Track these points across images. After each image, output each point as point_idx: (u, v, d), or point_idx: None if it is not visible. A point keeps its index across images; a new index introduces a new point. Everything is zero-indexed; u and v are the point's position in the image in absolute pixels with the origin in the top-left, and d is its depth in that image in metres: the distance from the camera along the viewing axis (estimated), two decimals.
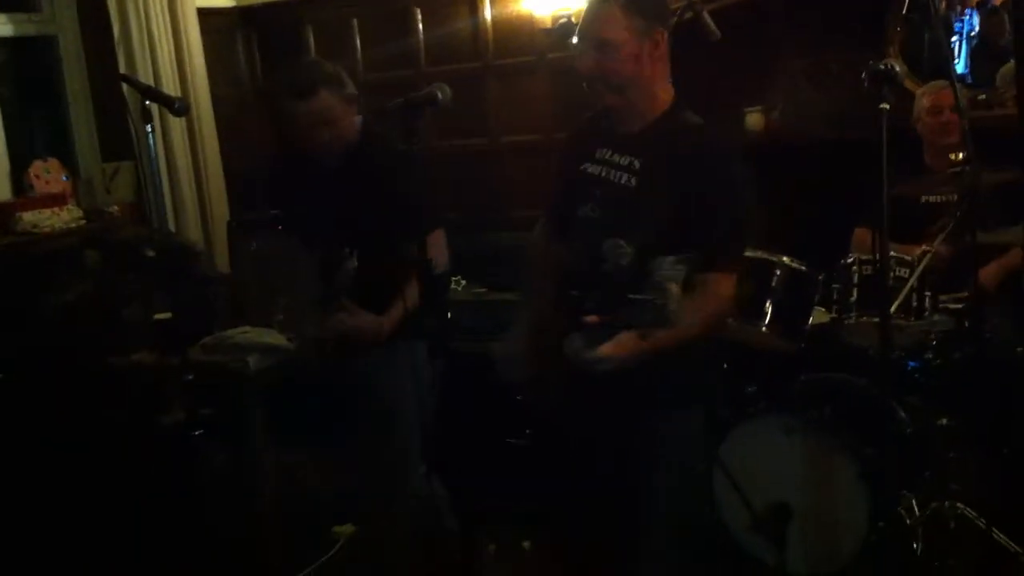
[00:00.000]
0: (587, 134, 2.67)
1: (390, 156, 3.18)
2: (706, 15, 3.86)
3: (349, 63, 5.55)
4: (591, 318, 2.25)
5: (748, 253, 3.92)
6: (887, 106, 2.00)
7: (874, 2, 4.35)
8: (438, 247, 3.16)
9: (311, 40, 5.70)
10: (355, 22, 5.58)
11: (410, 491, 3.27)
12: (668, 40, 2.49)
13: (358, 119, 3.28)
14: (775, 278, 3.77)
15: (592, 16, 2.46)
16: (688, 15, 3.92)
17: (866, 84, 2.06)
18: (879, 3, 4.34)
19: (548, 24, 4.95)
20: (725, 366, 4.02)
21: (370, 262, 3.11)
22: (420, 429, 3.21)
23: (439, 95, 2.44)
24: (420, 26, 5.40)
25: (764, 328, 3.67)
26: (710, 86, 4.72)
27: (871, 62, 2.07)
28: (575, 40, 2.54)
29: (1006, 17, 4.71)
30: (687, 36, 4.03)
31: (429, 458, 3.15)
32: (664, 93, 2.55)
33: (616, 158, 2.54)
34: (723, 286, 2.43)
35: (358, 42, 5.59)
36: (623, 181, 2.50)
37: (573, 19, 4.85)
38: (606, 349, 2.26)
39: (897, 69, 2.04)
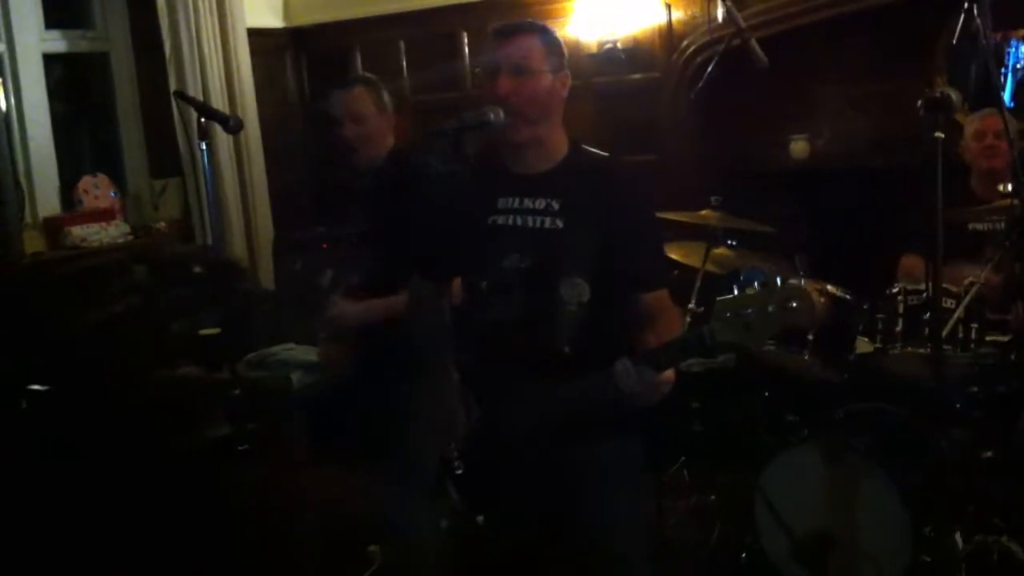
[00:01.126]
0: (479, 186, 2.55)
1: (415, 179, 3.09)
2: (754, 42, 3.87)
3: (396, 85, 5.61)
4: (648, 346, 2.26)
5: (792, 281, 3.95)
6: (942, 134, 1.99)
7: (920, 30, 4.33)
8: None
9: (359, 61, 5.74)
10: (402, 44, 5.62)
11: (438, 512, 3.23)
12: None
13: (390, 138, 3.36)
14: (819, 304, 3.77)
15: (513, 45, 2.44)
16: (736, 42, 3.94)
17: (921, 112, 2.05)
18: (925, 32, 4.31)
19: (594, 49, 4.97)
20: (767, 394, 4.01)
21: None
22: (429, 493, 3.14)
23: (492, 117, 2.40)
24: (466, 50, 5.43)
25: (806, 356, 3.67)
26: (756, 114, 4.77)
27: (926, 90, 2.07)
28: (485, 70, 2.47)
29: None
30: (735, 64, 4.07)
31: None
32: (563, 135, 2.53)
33: (528, 204, 2.48)
34: (671, 301, 2.53)
35: (405, 64, 5.63)
36: (547, 225, 2.45)
37: (619, 45, 4.89)
38: (669, 375, 2.26)
39: (953, 97, 2.03)
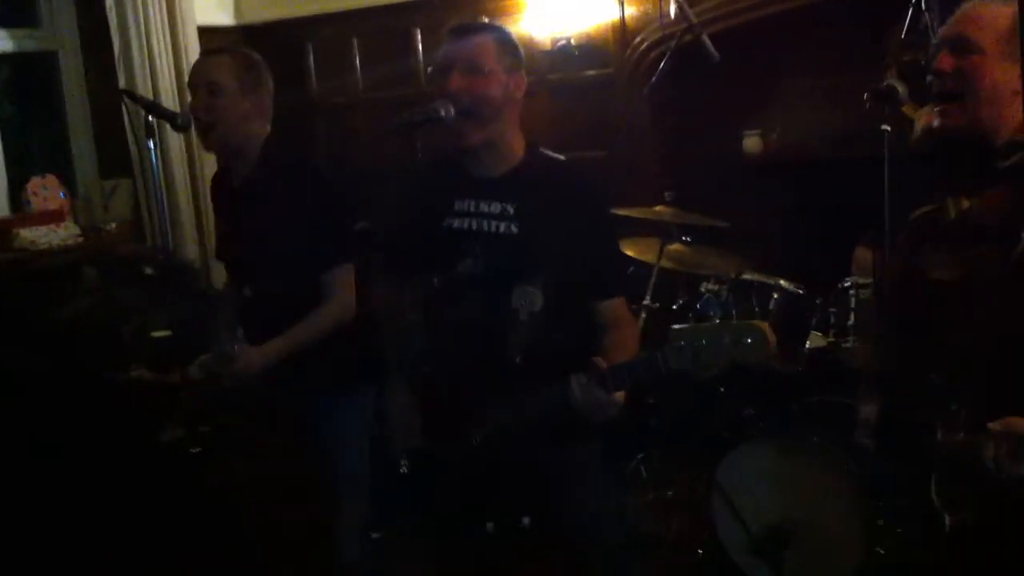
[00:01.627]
0: (435, 187, 2.55)
1: (298, 175, 3.01)
2: (705, 38, 3.89)
3: (349, 81, 5.59)
4: (599, 361, 2.24)
5: (747, 276, 3.97)
6: (888, 127, 2.00)
7: (872, 24, 4.36)
8: (340, 286, 2.99)
9: (311, 59, 5.70)
10: (355, 41, 5.58)
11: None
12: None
13: (259, 125, 3.05)
14: (772, 301, 3.79)
15: (467, 43, 2.43)
16: (688, 38, 3.96)
17: (867, 105, 2.06)
18: (877, 26, 4.34)
19: (547, 46, 4.96)
20: (722, 389, 4.03)
21: (267, 292, 2.97)
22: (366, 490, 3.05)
23: (442, 112, 2.37)
24: (420, 46, 5.40)
25: None
26: (709, 109, 4.78)
27: (872, 82, 2.08)
28: (437, 67, 2.46)
29: None
30: (688, 59, 4.08)
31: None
32: (520, 137, 2.51)
33: (484, 207, 2.46)
34: (627, 309, 2.55)
35: (358, 61, 5.60)
36: (502, 230, 2.43)
37: (572, 41, 4.88)
38: (620, 395, 2.26)
39: (899, 90, 2.04)
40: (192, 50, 5.09)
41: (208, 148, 3.10)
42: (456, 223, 2.49)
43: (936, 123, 2.03)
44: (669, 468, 4.20)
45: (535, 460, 2.44)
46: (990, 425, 1.97)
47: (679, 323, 4.06)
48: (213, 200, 3.35)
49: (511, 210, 2.43)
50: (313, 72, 5.72)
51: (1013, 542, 2.05)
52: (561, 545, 2.54)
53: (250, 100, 3.00)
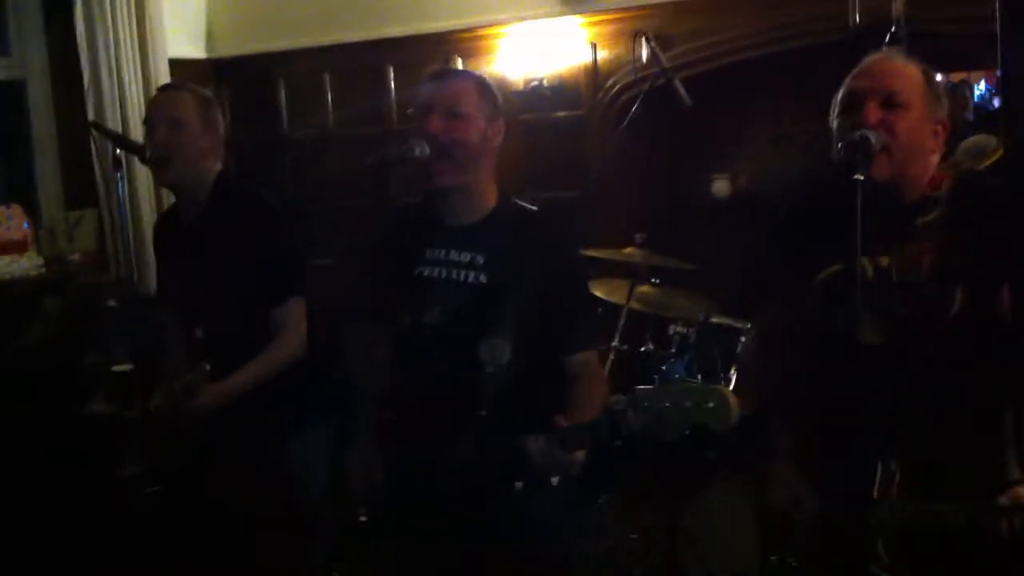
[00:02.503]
0: (408, 234, 2.53)
1: (251, 209, 3.00)
2: (678, 82, 3.92)
3: (320, 117, 5.58)
4: (560, 420, 2.21)
5: (714, 319, 3.98)
6: (861, 176, 2.01)
7: (841, 72, 4.42)
8: (292, 321, 2.96)
9: (283, 94, 5.69)
10: (327, 76, 5.58)
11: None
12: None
13: (213, 164, 3.04)
14: (740, 344, 3.80)
15: (448, 86, 2.43)
16: (660, 82, 3.99)
17: (843, 154, 2.07)
18: (846, 73, 4.40)
19: (520, 86, 4.98)
20: (687, 432, 4.01)
21: (220, 328, 2.91)
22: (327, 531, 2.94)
23: (417, 151, 2.35)
24: (392, 83, 5.41)
25: None
26: (679, 152, 4.82)
27: (848, 132, 2.09)
28: (417, 108, 2.44)
29: (967, 92, 4.80)
30: (659, 102, 4.11)
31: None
32: (494, 186, 2.50)
33: (454, 256, 2.44)
34: (599, 366, 2.55)
35: (330, 97, 5.59)
36: (470, 280, 2.41)
37: (545, 82, 4.91)
38: (580, 454, 2.22)
39: (872, 140, 2.05)
40: (162, 82, 5.06)
41: (163, 183, 3.11)
42: (427, 271, 2.46)
43: (863, 177, 2.03)
44: (632, 511, 4.16)
45: (495, 511, 2.41)
46: (1000, 500, 1.98)
47: (648, 364, 4.09)
48: (157, 244, 3.30)
49: (480, 260, 2.41)
50: (284, 107, 5.70)
51: None
52: None
53: (208, 138, 3.01)
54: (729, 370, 3.81)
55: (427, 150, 2.36)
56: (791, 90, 4.65)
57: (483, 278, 2.40)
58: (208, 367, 2.82)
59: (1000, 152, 4.45)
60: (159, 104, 3.06)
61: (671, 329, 3.97)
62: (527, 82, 4.96)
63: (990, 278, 2.13)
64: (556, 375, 2.44)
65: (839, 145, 2.12)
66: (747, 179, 4.88)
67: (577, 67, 4.91)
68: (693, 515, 3.52)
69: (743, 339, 3.74)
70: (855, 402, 2.10)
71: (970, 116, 5.27)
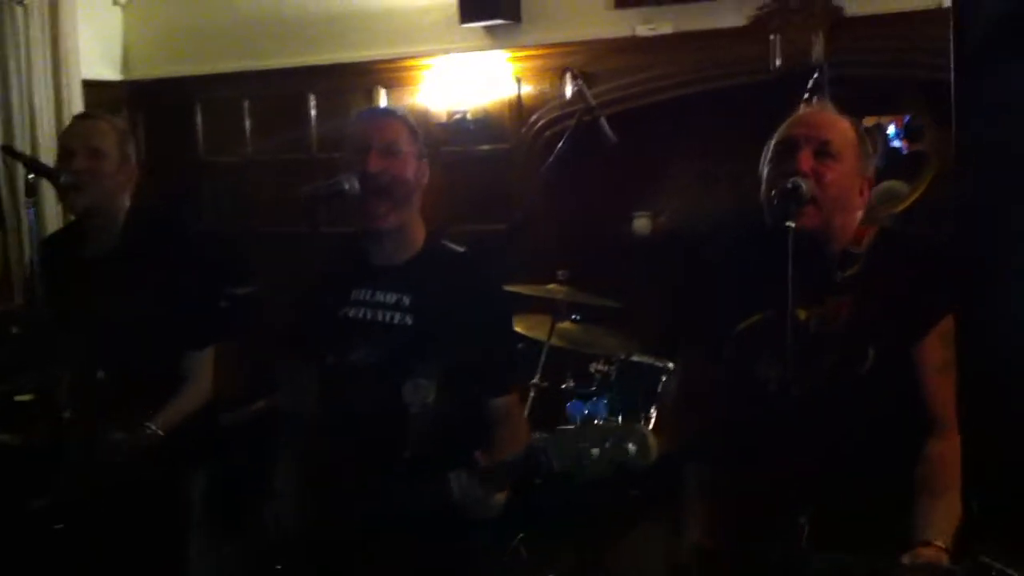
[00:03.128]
0: (334, 273, 2.52)
1: (165, 249, 2.94)
2: (603, 120, 3.93)
3: (238, 143, 5.50)
4: (480, 457, 2.19)
5: (635, 358, 3.99)
6: (792, 224, 2.01)
7: (766, 112, 4.49)
8: (201, 370, 2.93)
9: (199, 119, 5.60)
10: (246, 103, 5.52)
11: None
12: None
13: (126, 198, 2.96)
14: (660, 383, 3.81)
15: (382, 125, 2.43)
16: (586, 118, 3.99)
17: (776, 201, 2.08)
18: (771, 113, 4.48)
19: (443, 119, 4.98)
20: (608, 474, 4.00)
21: (124, 369, 2.83)
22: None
23: (347, 186, 2.33)
24: (313, 112, 5.36)
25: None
26: (602, 189, 4.84)
27: (779, 179, 2.10)
28: (352, 146, 2.41)
29: (880, 137, 4.90)
30: (582, 140, 4.12)
31: None
32: (422, 226, 2.48)
33: (380, 297, 2.42)
34: (521, 408, 2.59)
35: (248, 124, 5.52)
36: (396, 321, 2.39)
37: (469, 115, 4.91)
38: (501, 494, 2.22)
39: (803, 187, 2.06)
40: (76, 105, 4.96)
41: (76, 210, 2.98)
42: (352, 312, 2.43)
43: (793, 224, 2.04)
44: (551, 548, 4.13)
45: (414, 552, 2.36)
46: (904, 560, 1.98)
47: (569, 401, 4.07)
48: (52, 270, 3.05)
49: (407, 301, 2.39)
50: (201, 132, 5.61)
51: None
52: None
53: (124, 170, 2.94)
54: (649, 408, 3.81)
55: (356, 185, 2.32)
56: (714, 130, 4.70)
57: (409, 320, 2.38)
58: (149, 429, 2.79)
59: (912, 197, 4.58)
60: (77, 133, 2.97)
61: (592, 367, 3.96)
62: (450, 115, 4.96)
63: (904, 337, 2.14)
64: (479, 417, 2.42)
65: (771, 193, 2.12)
66: (668, 218, 4.91)
67: (501, 101, 4.93)
68: (615, 555, 3.50)
69: (664, 378, 3.74)
70: (768, 452, 2.09)
71: (881, 161, 5.39)
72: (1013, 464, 2.68)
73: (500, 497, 2.23)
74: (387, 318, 2.39)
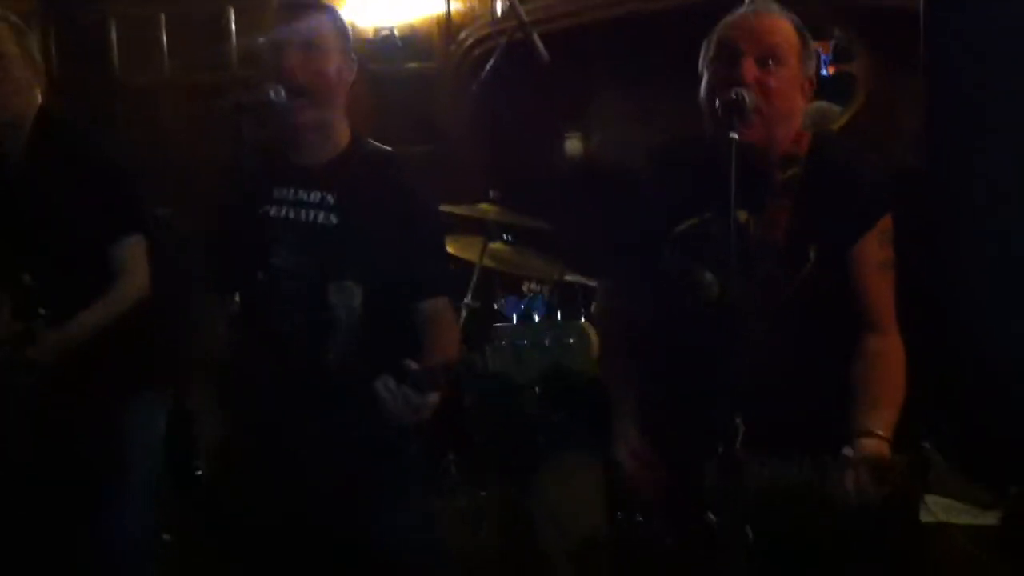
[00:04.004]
0: (254, 174, 2.41)
1: (78, 142, 2.85)
2: (536, 37, 3.86)
3: (156, 62, 5.31)
4: (409, 363, 2.10)
5: (568, 277, 3.96)
6: (736, 135, 1.96)
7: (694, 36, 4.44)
8: (132, 261, 2.83)
9: (114, 35, 5.38)
10: (162, 18, 5.31)
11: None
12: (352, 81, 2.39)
13: (38, 98, 2.86)
14: (594, 303, 3.78)
15: (302, 19, 2.31)
16: (518, 36, 3.92)
17: (719, 112, 2.02)
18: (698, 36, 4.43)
19: (369, 35, 4.87)
20: (536, 390, 4.00)
21: (52, 272, 2.77)
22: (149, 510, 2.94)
23: (272, 96, 2.23)
24: (233, 27, 5.18)
25: None
26: (535, 109, 4.77)
27: (723, 89, 2.04)
28: (269, 45, 2.32)
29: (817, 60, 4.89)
30: (514, 58, 4.04)
31: None
32: (346, 125, 2.41)
33: (303, 195, 2.34)
34: (452, 314, 2.49)
35: (165, 40, 5.32)
36: (319, 220, 2.33)
37: (396, 32, 4.80)
38: (433, 398, 2.11)
39: (747, 99, 2.01)
40: None
41: None
42: (272, 211, 2.35)
43: (736, 136, 2.00)
44: (481, 472, 4.12)
45: (341, 473, 2.31)
46: (845, 452, 1.97)
47: (501, 322, 4.03)
48: None
49: (331, 200, 2.32)
50: (116, 50, 5.39)
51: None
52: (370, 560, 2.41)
53: (28, 69, 2.82)
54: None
55: (283, 94, 2.23)
56: (646, 52, 4.65)
57: (333, 218, 2.31)
58: (43, 312, 2.68)
59: (844, 119, 4.60)
60: None
61: (525, 286, 3.93)
62: (377, 31, 4.86)
63: (844, 237, 2.12)
64: (407, 322, 2.34)
65: (714, 103, 2.06)
66: (600, 139, 4.87)
67: (429, 18, 4.84)
68: (545, 476, 3.50)
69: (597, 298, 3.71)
70: (704, 357, 2.05)
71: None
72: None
73: (433, 400, 2.11)
74: (310, 217, 2.32)
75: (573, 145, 4.85)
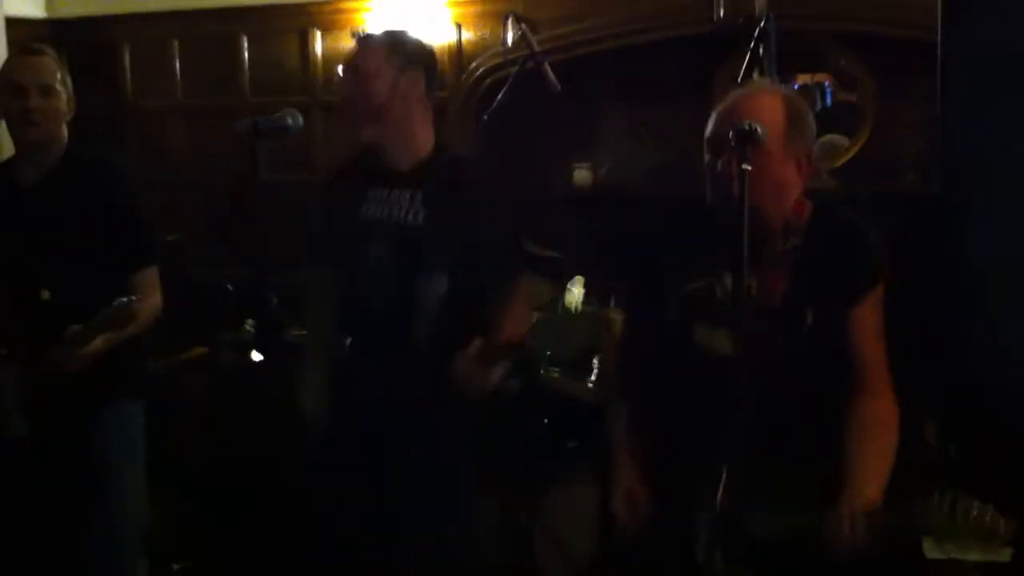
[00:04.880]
0: (353, 177, 2.74)
1: (103, 173, 3.00)
2: (547, 67, 3.89)
3: (167, 86, 5.35)
4: (479, 343, 2.39)
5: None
6: (748, 166, 1.99)
7: (706, 64, 4.48)
8: (148, 287, 2.96)
9: (127, 60, 5.43)
10: (175, 44, 5.36)
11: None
12: (426, 85, 2.64)
13: (66, 133, 3.01)
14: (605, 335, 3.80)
15: (356, 50, 2.64)
16: (530, 65, 3.94)
17: (732, 143, 2.04)
18: (710, 66, 4.47)
19: None
20: (546, 421, 4.01)
21: (67, 299, 2.87)
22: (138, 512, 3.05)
23: (290, 121, 2.39)
24: (246, 54, 5.22)
25: (590, 383, 3.69)
26: (543, 139, 4.80)
27: (736, 122, 2.06)
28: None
29: (817, 94, 4.91)
30: (525, 88, 4.07)
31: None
32: (427, 134, 2.67)
33: (395, 196, 2.63)
34: (523, 292, 2.73)
35: (177, 65, 5.37)
36: (410, 218, 2.60)
37: None
38: (496, 373, 2.49)
39: (759, 131, 2.03)
40: None
41: (25, 145, 2.99)
42: (370, 210, 2.64)
43: (749, 167, 2.02)
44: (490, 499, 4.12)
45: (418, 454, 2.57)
46: (838, 508, 2.01)
47: None
48: None
49: (419, 198, 2.59)
50: (128, 74, 5.45)
51: None
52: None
53: (69, 103, 3.00)
54: (592, 359, 3.81)
55: (300, 121, 2.49)
56: (653, 79, 4.68)
57: (421, 216, 2.58)
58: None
59: (852, 151, 4.62)
60: (25, 67, 2.94)
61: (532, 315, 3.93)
62: None
63: (841, 303, 2.20)
64: (484, 307, 2.59)
65: (730, 134, 2.07)
66: (609, 169, 4.87)
67: (441, 47, 4.82)
68: (554, 505, 3.51)
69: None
70: (701, 411, 2.15)
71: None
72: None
73: (494, 375, 2.47)
74: (401, 215, 2.60)
75: (581, 175, 4.85)
